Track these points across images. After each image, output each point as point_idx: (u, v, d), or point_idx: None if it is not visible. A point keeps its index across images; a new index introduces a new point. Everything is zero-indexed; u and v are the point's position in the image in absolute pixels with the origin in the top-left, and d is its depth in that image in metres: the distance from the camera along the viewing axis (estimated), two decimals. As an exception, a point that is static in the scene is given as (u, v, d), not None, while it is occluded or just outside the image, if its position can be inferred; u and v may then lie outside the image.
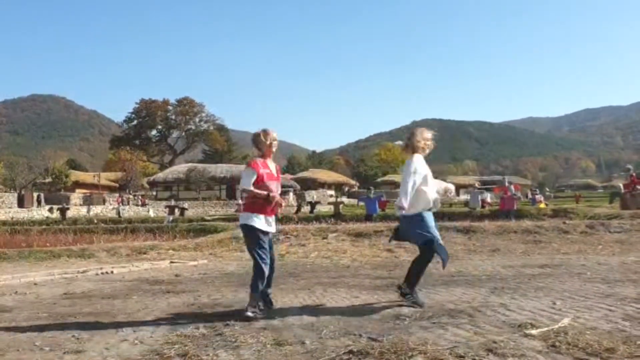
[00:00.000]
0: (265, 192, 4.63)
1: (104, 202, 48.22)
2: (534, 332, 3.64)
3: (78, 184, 61.87)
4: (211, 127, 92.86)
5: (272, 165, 4.82)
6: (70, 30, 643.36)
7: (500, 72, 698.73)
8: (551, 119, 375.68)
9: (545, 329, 3.70)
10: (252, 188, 4.63)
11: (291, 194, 51.02)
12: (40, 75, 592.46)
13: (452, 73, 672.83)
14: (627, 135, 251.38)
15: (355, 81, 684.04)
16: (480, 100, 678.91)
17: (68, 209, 34.27)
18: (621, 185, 23.41)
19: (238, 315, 4.53)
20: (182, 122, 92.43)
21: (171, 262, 10.04)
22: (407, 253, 10.11)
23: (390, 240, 5.59)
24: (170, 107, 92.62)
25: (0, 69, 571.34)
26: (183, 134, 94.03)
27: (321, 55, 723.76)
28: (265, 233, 4.69)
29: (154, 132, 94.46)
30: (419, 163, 4.87)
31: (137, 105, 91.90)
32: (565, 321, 3.89)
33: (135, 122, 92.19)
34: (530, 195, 36.72)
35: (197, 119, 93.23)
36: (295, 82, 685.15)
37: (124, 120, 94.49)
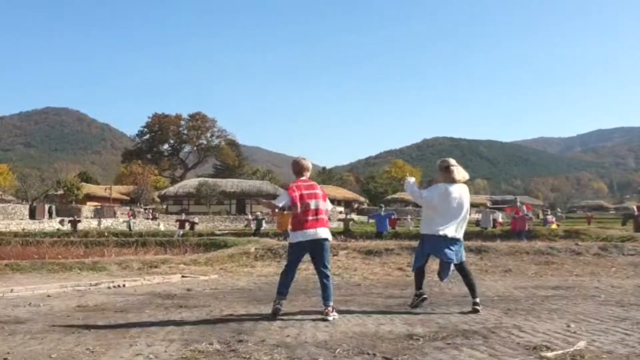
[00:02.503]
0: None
1: (114, 215, 48.48)
2: (549, 354, 3.61)
3: (89, 197, 62.24)
4: (222, 142, 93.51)
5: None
6: (84, 44, 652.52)
7: (512, 91, 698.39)
8: (563, 139, 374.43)
9: (561, 351, 3.68)
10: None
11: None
12: (55, 88, 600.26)
13: (464, 91, 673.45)
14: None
15: (366, 98, 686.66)
16: (491, 119, 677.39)
17: (79, 221, 34.50)
18: (634, 207, 23.20)
19: (250, 331, 4.55)
20: (194, 137, 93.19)
21: (182, 277, 10.06)
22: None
23: None
24: (182, 122, 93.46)
25: (17, 82, 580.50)
26: (195, 148, 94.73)
27: (331, 71, 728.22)
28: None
29: (165, 146, 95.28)
30: None
31: (149, 120, 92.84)
32: (581, 344, 3.86)
33: (147, 136, 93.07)
34: (541, 216, 36.50)
35: (208, 134, 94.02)
36: (307, 99, 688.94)
37: (137, 134, 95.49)
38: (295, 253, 5.58)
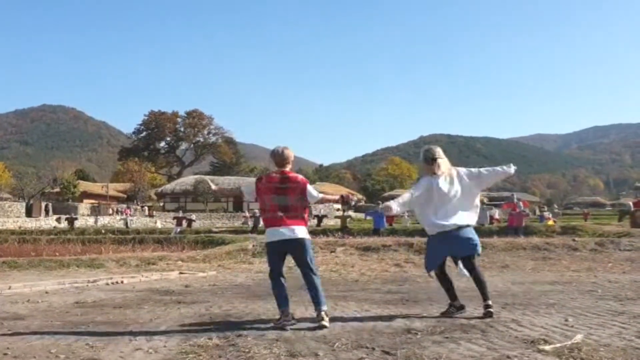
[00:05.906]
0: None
1: (111, 212, 48.41)
2: (547, 348, 3.64)
3: (86, 195, 62.16)
4: (219, 140, 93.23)
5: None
6: (81, 42, 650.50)
7: (509, 88, 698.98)
8: (560, 136, 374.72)
9: (559, 345, 3.70)
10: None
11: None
12: (51, 86, 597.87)
13: (461, 88, 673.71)
14: (636, 154, 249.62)
15: (363, 95, 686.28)
16: (488, 116, 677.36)
17: (76, 219, 34.44)
18: (631, 203, 23.30)
19: (249, 325, 4.57)
20: (190, 134, 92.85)
21: (180, 273, 10.07)
22: (416, 268, 10.10)
23: None
24: (179, 120, 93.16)
25: (12, 79, 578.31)
26: (191, 146, 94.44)
27: (329, 69, 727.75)
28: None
29: (162, 143, 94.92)
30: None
31: (146, 117, 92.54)
32: (578, 337, 3.89)
33: (144, 133, 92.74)
34: (538, 212, 36.56)
35: (205, 132, 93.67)
36: (303, 96, 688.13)
37: (133, 132, 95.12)
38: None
